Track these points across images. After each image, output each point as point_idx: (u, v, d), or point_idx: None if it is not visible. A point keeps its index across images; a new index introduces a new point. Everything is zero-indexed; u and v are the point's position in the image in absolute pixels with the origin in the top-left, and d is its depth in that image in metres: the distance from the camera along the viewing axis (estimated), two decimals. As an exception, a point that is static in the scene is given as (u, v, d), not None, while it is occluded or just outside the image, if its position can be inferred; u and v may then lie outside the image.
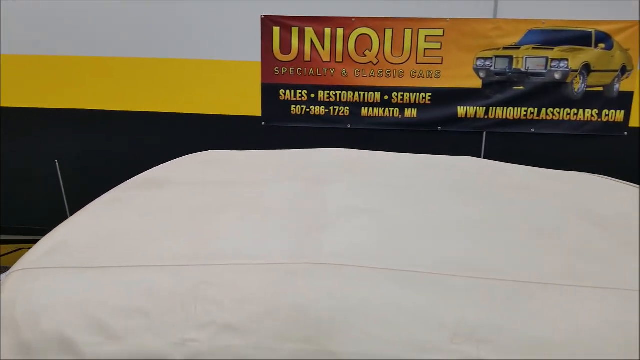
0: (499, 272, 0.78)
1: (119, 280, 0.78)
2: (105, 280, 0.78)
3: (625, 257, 0.85)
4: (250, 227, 0.96)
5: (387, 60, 3.77)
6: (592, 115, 3.77)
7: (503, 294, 0.73)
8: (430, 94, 3.82)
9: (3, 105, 3.90)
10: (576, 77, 3.70)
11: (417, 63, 3.76)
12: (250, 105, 3.90)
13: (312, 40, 3.76)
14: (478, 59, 3.73)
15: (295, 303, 0.69)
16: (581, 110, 3.77)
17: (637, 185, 1.46)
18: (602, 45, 3.67)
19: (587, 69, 3.71)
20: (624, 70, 3.72)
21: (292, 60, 3.81)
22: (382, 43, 3.73)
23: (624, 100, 3.75)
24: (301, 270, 0.76)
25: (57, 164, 3.90)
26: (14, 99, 3.92)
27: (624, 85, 3.73)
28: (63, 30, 3.77)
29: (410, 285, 0.73)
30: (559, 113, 3.79)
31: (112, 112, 3.91)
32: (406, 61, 3.76)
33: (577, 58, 3.68)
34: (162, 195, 1.15)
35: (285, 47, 3.78)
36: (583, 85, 3.73)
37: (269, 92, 3.89)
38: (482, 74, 3.76)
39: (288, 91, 3.88)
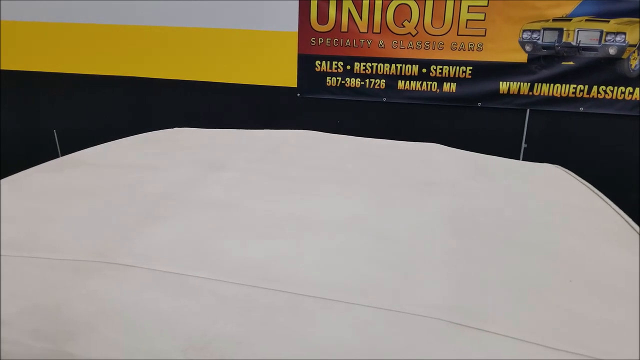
0: (279, 282, 0.72)
1: None
2: None
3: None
4: (79, 218, 0.93)
5: (426, 32, 3.63)
6: (649, 95, 3.48)
7: (268, 306, 0.67)
8: (471, 68, 3.66)
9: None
10: (634, 52, 3.42)
11: (458, 35, 3.60)
12: (287, 76, 3.90)
13: (349, 10, 3.69)
14: (524, 31, 3.52)
15: (54, 302, 0.67)
16: (637, 89, 3.49)
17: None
18: (665, 18, 3.36)
19: (646, 44, 3.41)
20: (689, 45, 3.40)
21: (329, 31, 3.76)
22: (422, 13, 3.60)
23: (688, 79, 3.43)
24: (88, 269, 0.75)
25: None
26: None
27: (688, 63, 3.41)
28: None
29: (175, 293, 0.69)
30: (612, 91, 3.52)
31: (145, 79, 4.02)
32: (447, 32, 3.61)
33: (635, 32, 3.39)
34: (56, 178, 1.12)
35: (323, 17, 3.73)
36: (641, 61, 3.44)
37: (305, 63, 3.86)
38: (528, 48, 3.55)
39: (324, 62, 3.84)
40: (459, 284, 0.74)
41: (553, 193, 1.18)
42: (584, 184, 1.27)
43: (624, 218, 1.05)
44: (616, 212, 1.07)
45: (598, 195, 1.18)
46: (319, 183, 1.12)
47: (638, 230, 1.02)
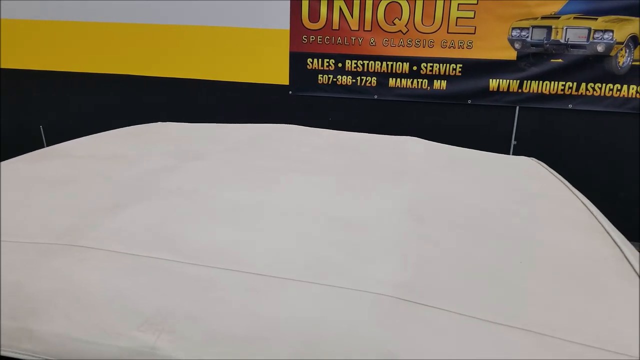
0: (236, 264, 0.75)
1: None
2: None
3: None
4: (48, 204, 0.95)
5: (417, 29, 3.67)
6: (637, 92, 3.51)
7: (224, 285, 0.71)
8: (461, 65, 3.69)
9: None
10: (621, 50, 3.45)
11: (448, 32, 3.64)
12: (279, 73, 3.93)
13: (340, 8, 3.72)
14: (513, 29, 3.55)
15: (16, 280, 0.70)
16: (625, 86, 3.52)
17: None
18: (653, 16, 3.39)
19: (634, 41, 3.44)
20: (676, 43, 3.43)
21: (320, 29, 3.79)
22: (412, 11, 3.63)
23: (675, 76, 3.46)
24: (51, 251, 0.77)
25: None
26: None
27: (676, 60, 3.44)
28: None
29: (134, 272, 0.72)
30: (600, 88, 3.56)
31: (138, 77, 4.05)
32: (437, 30, 3.65)
33: (623, 29, 3.43)
34: (32, 167, 1.14)
35: (314, 15, 3.76)
36: (629, 59, 3.47)
37: (297, 60, 3.89)
38: (517, 45, 3.58)
39: (315, 60, 3.87)
40: (409, 263, 0.77)
41: (521, 182, 1.21)
42: (554, 175, 1.30)
43: (587, 207, 1.08)
44: (581, 201, 1.10)
45: (566, 186, 1.21)
46: (288, 173, 1.14)
47: (600, 219, 1.05)
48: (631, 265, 0.82)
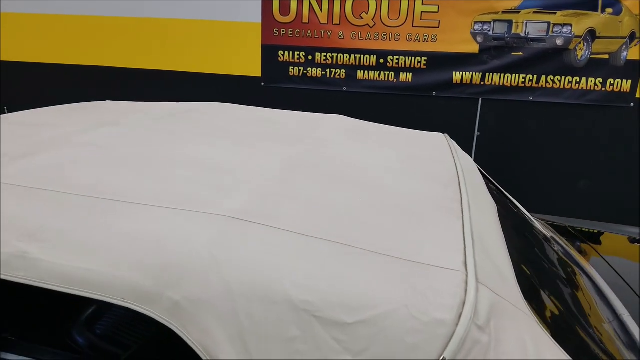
0: (113, 194, 0.87)
1: None
2: None
3: None
4: None
5: (383, 23, 3.78)
6: (595, 85, 3.62)
7: (91, 208, 0.83)
8: (425, 59, 3.80)
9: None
10: (580, 43, 3.56)
11: (413, 26, 3.75)
12: (251, 66, 4.05)
13: (310, 2, 3.83)
14: (476, 22, 3.67)
15: None
16: (584, 79, 3.63)
17: None
18: (609, 10, 3.50)
19: (592, 35, 3.55)
20: (632, 37, 3.53)
21: (290, 22, 3.91)
22: (378, 5, 3.74)
23: (632, 69, 3.57)
24: None
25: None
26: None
27: (632, 53, 3.55)
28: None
29: (24, 198, 0.84)
30: (559, 81, 3.67)
31: (112, 68, 4.17)
32: (402, 24, 3.76)
33: (581, 23, 3.54)
34: None
35: (284, 9, 3.87)
36: (587, 52, 3.59)
37: (269, 53, 4.01)
38: (479, 39, 3.69)
39: (286, 52, 3.98)
40: (259, 196, 0.88)
41: (414, 149, 1.32)
42: (450, 146, 1.40)
43: (458, 168, 1.17)
44: (456, 163, 1.20)
45: (453, 153, 1.32)
46: (194, 136, 1.25)
47: (463, 175, 1.15)
48: (461, 205, 0.92)
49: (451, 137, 3.89)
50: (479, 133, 3.85)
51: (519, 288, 0.81)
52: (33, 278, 0.74)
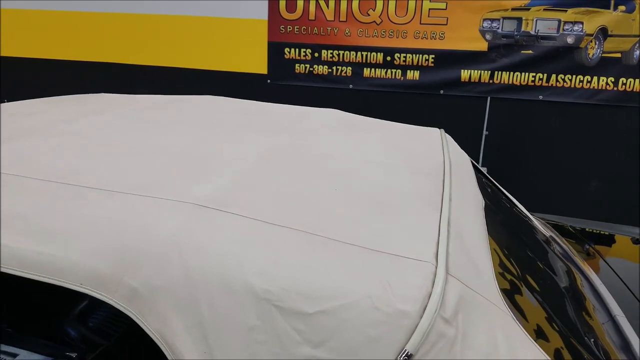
0: (85, 180, 0.87)
1: None
2: None
3: None
4: None
5: (390, 20, 3.74)
6: (607, 84, 3.54)
7: (61, 194, 0.83)
8: (433, 56, 3.75)
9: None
10: (591, 41, 3.49)
11: (421, 23, 3.70)
12: (258, 63, 4.04)
13: (317, -1, 3.81)
14: (484, 20, 3.61)
15: None
16: (595, 78, 3.55)
17: None
18: (622, 8, 3.42)
19: (603, 33, 3.47)
20: (646, 35, 3.45)
21: (297, 19, 3.88)
22: (386, 3, 3.70)
23: (645, 68, 3.48)
24: None
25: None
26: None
27: (645, 52, 3.46)
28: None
29: None
30: (570, 80, 3.59)
31: (117, 65, 4.19)
32: (410, 21, 3.71)
33: (592, 21, 3.46)
34: None
35: (291, 6, 3.85)
36: (598, 50, 3.51)
37: (275, 50, 4.00)
38: (488, 36, 3.63)
39: (293, 49, 3.96)
40: (231, 186, 0.86)
41: (406, 144, 1.28)
42: (445, 141, 1.37)
43: (446, 161, 1.14)
44: (444, 160, 1.17)
45: (444, 147, 1.28)
46: (175, 126, 1.23)
47: (450, 169, 1.11)
48: (442, 198, 0.89)
49: (459, 136, 3.83)
50: (487, 132, 3.79)
51: (497, 284, 0.77)
52: (-4, 262, 0.73)
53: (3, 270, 0.73)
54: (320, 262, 0.68)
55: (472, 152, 3.81)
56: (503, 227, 1.27)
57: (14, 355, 1.42)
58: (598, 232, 1.93)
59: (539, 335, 0.75)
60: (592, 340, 0.99)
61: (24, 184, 0.83)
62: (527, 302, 0.92)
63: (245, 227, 0.74)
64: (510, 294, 0.84)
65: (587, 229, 1.88)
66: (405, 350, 0.60)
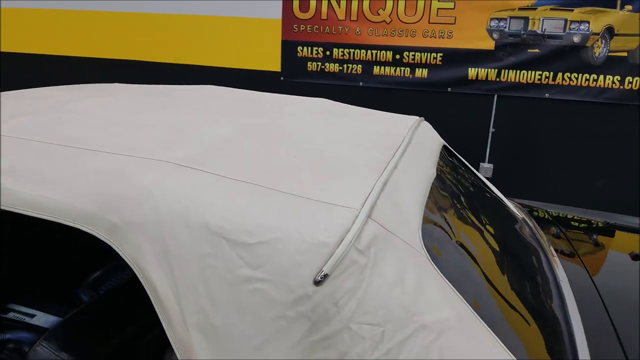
0: (77, 142, 1.02)
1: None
2: None
3: None
4: None
5: (400, 20, 3.86)
6: (613, 82, 3.58)
7: (59, 153, 0.98)
8: (441, 55, 3.86)
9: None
10: (597, 40, 3.54)
11: (429, 23, 3.82)
12: (271, 60, 4.22)
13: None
14: (492, 19, 3.70)
15: None
16: (601, 76, 3.60)
17: None
18: (628, 7, 3.46)
19: (610, 32, 3.52)
20: (653, 34, 3.48)
21: (310, 19, 4.05)
22: (395, 2, 3.83)
23: (652, 67, 3.51)
24: None
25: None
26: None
27: (652, 51, 3.49)
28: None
29: (8, 149, 0.99)
30: (576, 78, 3.64)
31: (135, 62, 4.43)
32: (419, 20, 3.83)
33: (599, 20, 3.51)
34: None
35: (304, 6, 4.02)
36: (605, 49, 3.55)
37: (288, 48, 4.17)
38: (495, 35, 3.72)
39: (305, 48, 4.13)
40: (203, 151, 1.01)
41: (377, 126, 1.40)
42: (414, 125, 1.48)
43: (404, 142, 1.25)
44: (404, 138, 1.28)
45: (410, 130, 1.39)
46: (170, 107, 1.39)
47: (408, 145, 1.22)
48: (387, 165, 1.02)
49: (466, 133, 3.92)
50: (494, 129, 3.87)
51: (422, 234, 0.90)
52: (5, 203, 0.90)
53: (10, 209, 0.90)
54: (264, 206, 0.83)
55: (479, 149, 3.89)
56: (459, 200, 1.39)
57: (32, 315, 1.61)
58: (579, 218, 2.01)
59: (457, 282, 0.87)
60: (520, 299, 1.10)
61: (30, 145, 1.00)
62: (454, 255, 1.04)
63: (209, 180, 0.89)
64: (437, 245, 0.97)
65: (599, 223, 1.93)
66: (322, 270, 0.75)
